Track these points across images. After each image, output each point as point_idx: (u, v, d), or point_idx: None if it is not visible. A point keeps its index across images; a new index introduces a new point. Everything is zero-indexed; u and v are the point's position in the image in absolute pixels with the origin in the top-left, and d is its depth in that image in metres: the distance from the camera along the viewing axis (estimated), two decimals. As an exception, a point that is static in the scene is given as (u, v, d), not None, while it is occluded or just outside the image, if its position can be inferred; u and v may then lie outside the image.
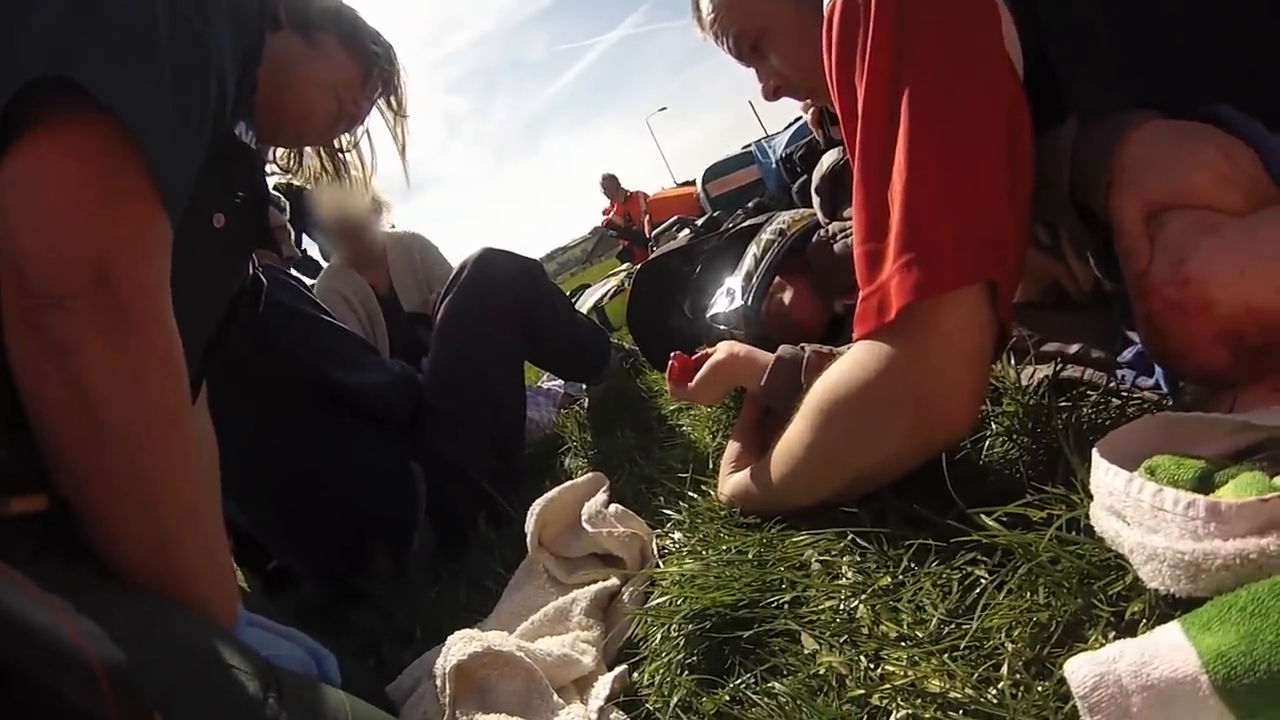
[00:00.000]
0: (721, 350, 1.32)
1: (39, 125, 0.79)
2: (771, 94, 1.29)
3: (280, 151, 1.47)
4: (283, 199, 2.71)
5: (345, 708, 0.79)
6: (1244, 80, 0.80)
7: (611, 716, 0.90)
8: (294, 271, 2.72)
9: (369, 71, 1.39)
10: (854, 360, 0.88)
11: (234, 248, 1.18)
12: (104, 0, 0.84)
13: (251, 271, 1.30)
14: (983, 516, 0.75)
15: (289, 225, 2.92)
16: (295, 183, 1.51)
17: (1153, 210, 0.77)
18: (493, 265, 2.15)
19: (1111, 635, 0.61)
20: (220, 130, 0.98)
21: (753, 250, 1.74)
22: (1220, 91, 0.80)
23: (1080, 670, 0.49)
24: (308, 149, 1.47)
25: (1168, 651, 0.48)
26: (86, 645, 0.61)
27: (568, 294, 4.62)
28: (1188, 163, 0.76)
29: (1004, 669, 0.62)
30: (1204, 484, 0.59)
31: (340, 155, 1.47)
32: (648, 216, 7.01)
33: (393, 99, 1.47)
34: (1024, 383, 0.98)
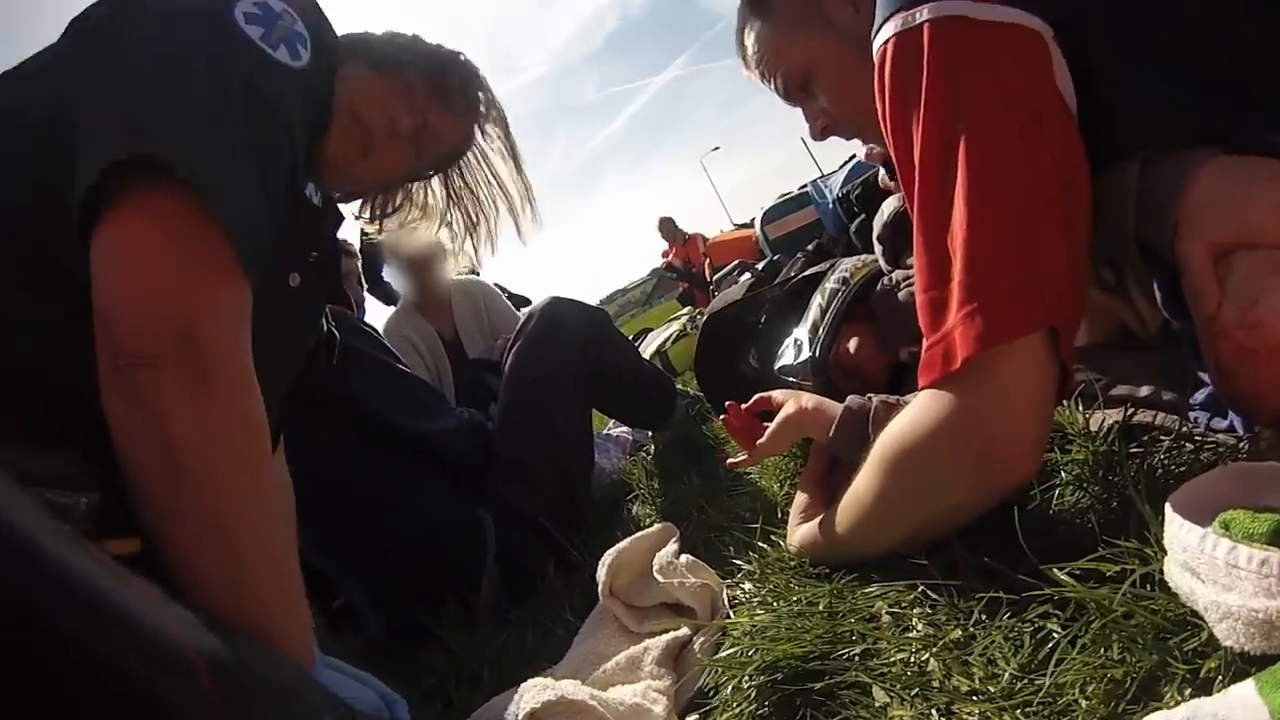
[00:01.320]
0: (790, 403, 1.32)
1: (126, 199, 0.85)
2: (820, 133, 1.30)
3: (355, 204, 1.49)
4: (352, 243, 2.81)
5: None
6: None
7: None
8: (368, 318, 2.82)
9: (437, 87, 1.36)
10: (919, 409, 0.89)
11: (309, 305, 1.24)
12: (180, 79, 0.91)
13: (326, 326, 1.35)
14: (1055, 570, 0.74)
15: (360, 272, 3.02)
16: (369, 232, 1.54)
17: (1221, 251, 0.76)
18: (560, 314, 2.18)
19: (1187, 693, 0.60)
20: (295, 194, 1.04)
21: (818, 300, 1.74)
22: (1276, 120, 0.79)
23: (1153, 729, 0.49)
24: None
25: (1241, 711, 0.48)
26: (183, 635, 0.62)
27: (629, 337, 4.65)
28: (1254, 201, 0.75)
29: (1078, 726, 0.62)
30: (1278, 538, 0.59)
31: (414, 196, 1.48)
32: (707, 260, 7.03)
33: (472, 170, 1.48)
34: (1094, 428, 0.97)
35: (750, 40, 1.29)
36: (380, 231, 1.50)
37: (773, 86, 1.30)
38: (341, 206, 1.42)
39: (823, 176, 4.60)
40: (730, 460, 1.46)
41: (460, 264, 3.33)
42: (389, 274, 3.35)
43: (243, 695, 0.62)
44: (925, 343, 0.86)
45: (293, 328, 1.21)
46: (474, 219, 1.47)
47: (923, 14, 0.86)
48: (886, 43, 0.89)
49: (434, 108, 1.30)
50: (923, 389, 0.88)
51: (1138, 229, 0.87)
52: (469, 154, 1.44)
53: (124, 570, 0.63)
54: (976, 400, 0.84)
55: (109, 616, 0.54)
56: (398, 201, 1.46)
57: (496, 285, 3.63)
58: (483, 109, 1.42)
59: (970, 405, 0.84)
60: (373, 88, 1.23)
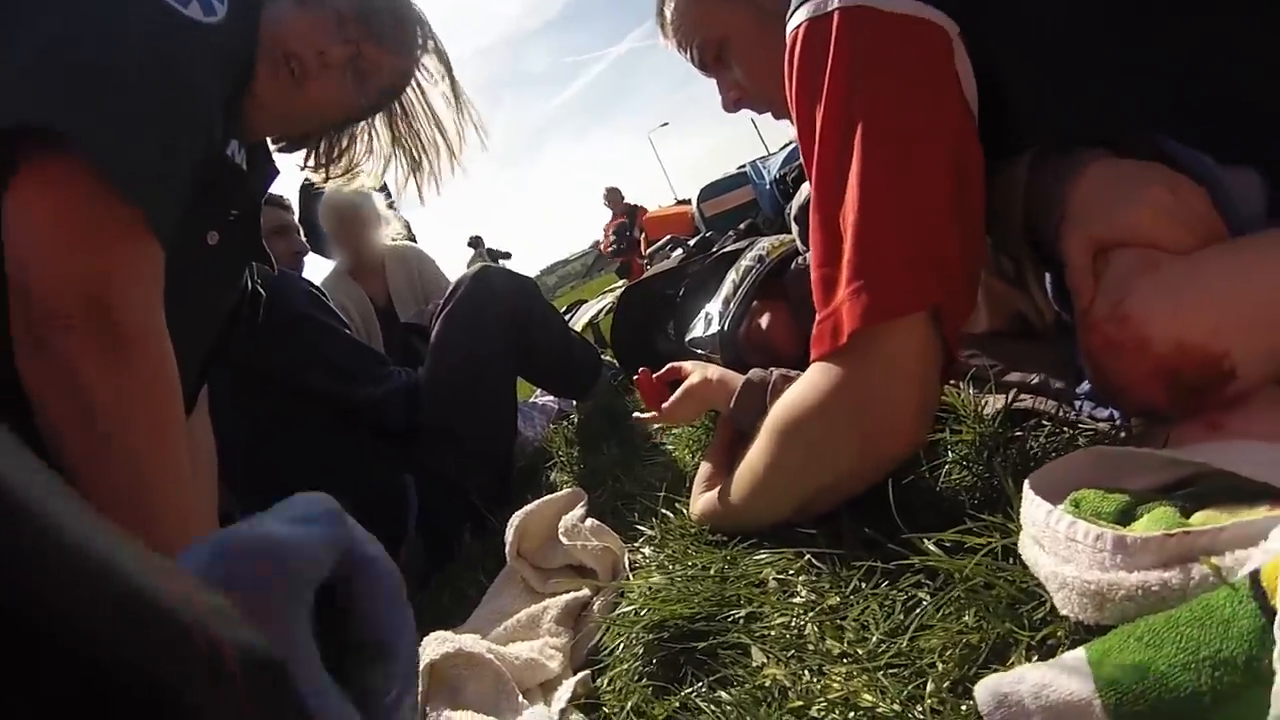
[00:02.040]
0: (695, 374, 1.35)
1: (30, 167, 0.86)
2: (732, 105, 1.32)
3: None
4: (286, 198, 2.76)
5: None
6: (1195, 113, 0.83)
7: (572, 718, 0.93)
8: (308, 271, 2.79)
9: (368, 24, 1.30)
10: (808, 382, 0.92)
11: (228, 263, 1.22)
12: (71, 47, 0.90)
13: (250, 285, 1.34)
14: (925, 541, 0.78)
15: (299, 225, 2.97)
16: (314, 180, 1.49)
17: (1100, 248, 0.80)
18: (489, 283, 2.19)
19: (1033, 658, 0.64)
20: (211, 152, 1.03)
21: (732, 276, 1.77)
22: (1170, 124, 0.83)
23: (986, 690, 0.53)
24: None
25: (1068, 676, 0.51)
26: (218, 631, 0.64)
27: (564, 309, 4.64)
28: (1135, 201, 0.79)
29: (930, 686, 0.65)
30: (1125, 517, 0.62)
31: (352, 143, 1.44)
32: (643, 234, 7.02)
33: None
34: (986, 412, 1.01)
35: (670, 9, 1.30)
36: (327, 180, 1.46)
37: (688, 56, 1.31)
38: (286, 158, 1.40)
39: (762, 157, 4.62)
40: (637, 414, 1.49)
41: (395, 230, 3.31)
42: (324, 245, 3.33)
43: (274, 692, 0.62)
44: (817, 317, 0.89)
45: (211, 286, 1.20)
46: (416, 159, 1.44)
47: (834, 2, 0.88)
48: (798, 27, 0.91)
49: (366, 38, 1.26)
50: (813, 362, 0.91)
51: (1027, 223, 0.91)
52: (410, 92, 1.41)
53: (142, 548, 0.63)
54: (861, 374, 0.87)
55: (132, 612, 0.55)
56: (343, 145, 1.43)
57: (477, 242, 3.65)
58: (420, 42, 1.38)
59: (855, 378, 0.87)
60: (300, 23, 1.19)
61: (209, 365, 1.27)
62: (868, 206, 0.85)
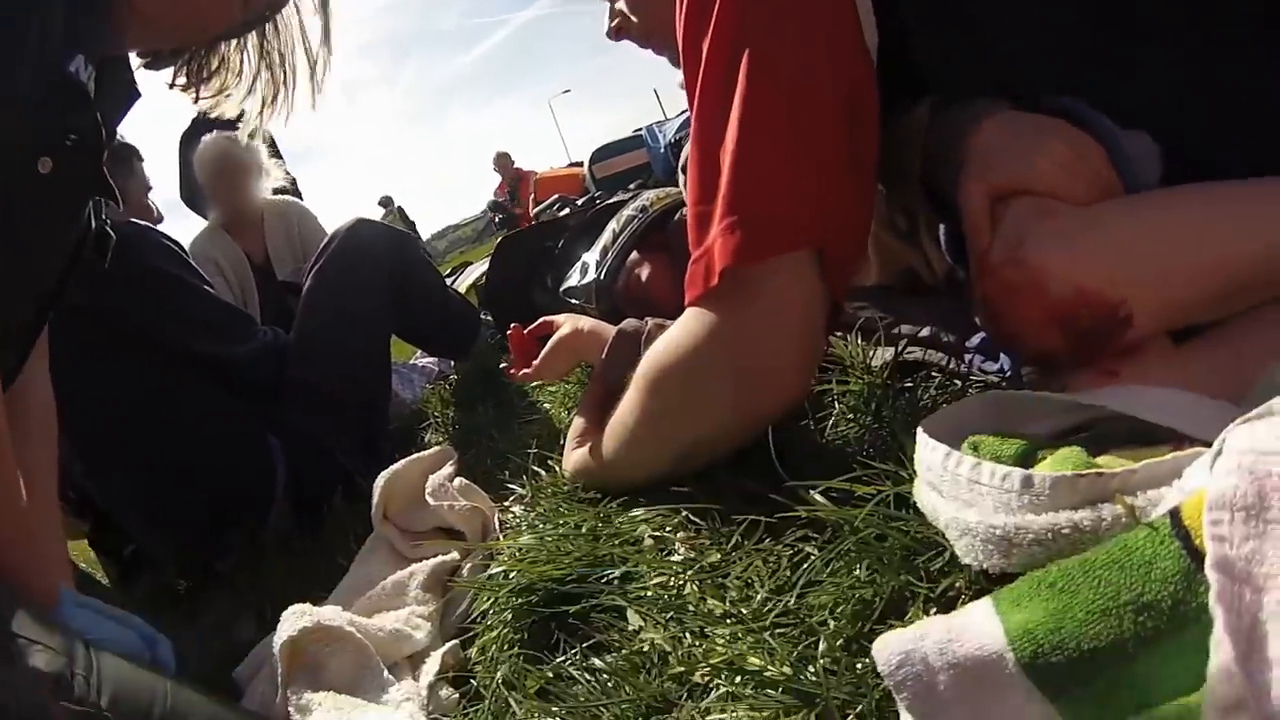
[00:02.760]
0: (566, 325, 1.29)
1: None
2: (614, 34, 1.28)
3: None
4: (132, 144, 2.57)
5: (165, 690, 0.75)
6: (1097, 74, 0.81)
7: (441, 693, 0.88)
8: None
9: None
10: (680, 328, 0.87)
11: (65, 194, 1.09)
12: None
13: (95, 223, 1.20)
14: (810, 492, 0.73)
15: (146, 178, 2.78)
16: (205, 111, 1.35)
17: (998, 196, 0.77)
18: (364, 236, 2.11)
19: (932, 611, 0.60)
20: (46, 69, 0.92)
21: (612, 225, 1.72)
22: (1073, 85, 0.81)
23: (886, 648, 0.47)
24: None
25: (976, 628, 0.46)
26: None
27: (448, 271, 4.52)
28: (1034, 152, 0.76)
29: (823, 646, 0.60)
30: (1026, 461, 0.58)
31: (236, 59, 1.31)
32: (532, 196, 6.92)
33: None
34: (873, 364, 0.98)
35: None
36: (196, 101, 1.33)
37: None
38: (153, 76, 1.26)
39: (659, 122, 4.60)
40: (509, 370, 1.43)
41: (275, 182, 3.16)
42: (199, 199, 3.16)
43: None
44: (691, 258, 0.84)
45: (43, 218, 1.07)
46: (278, 85, 1.33)
47: None
48: None
49: None
50: (687, 306, 0.86)
51: (924, 172, 0.88)
52: (286, 10, 1.29)
53: None
54: (736, 318, 0.82)
55: None
56: (213, 65, 1.30)
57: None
58: None
59: (729, 323, 0.83)
60: None
61: (45, 309, 1.14)
62: (747, 139, 0.81)
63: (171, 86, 1.29)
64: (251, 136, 1.43)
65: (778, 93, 0.81)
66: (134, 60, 1.21)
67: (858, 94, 0.83)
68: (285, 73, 1.32)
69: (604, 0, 1.27)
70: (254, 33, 1.28)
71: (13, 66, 0.87)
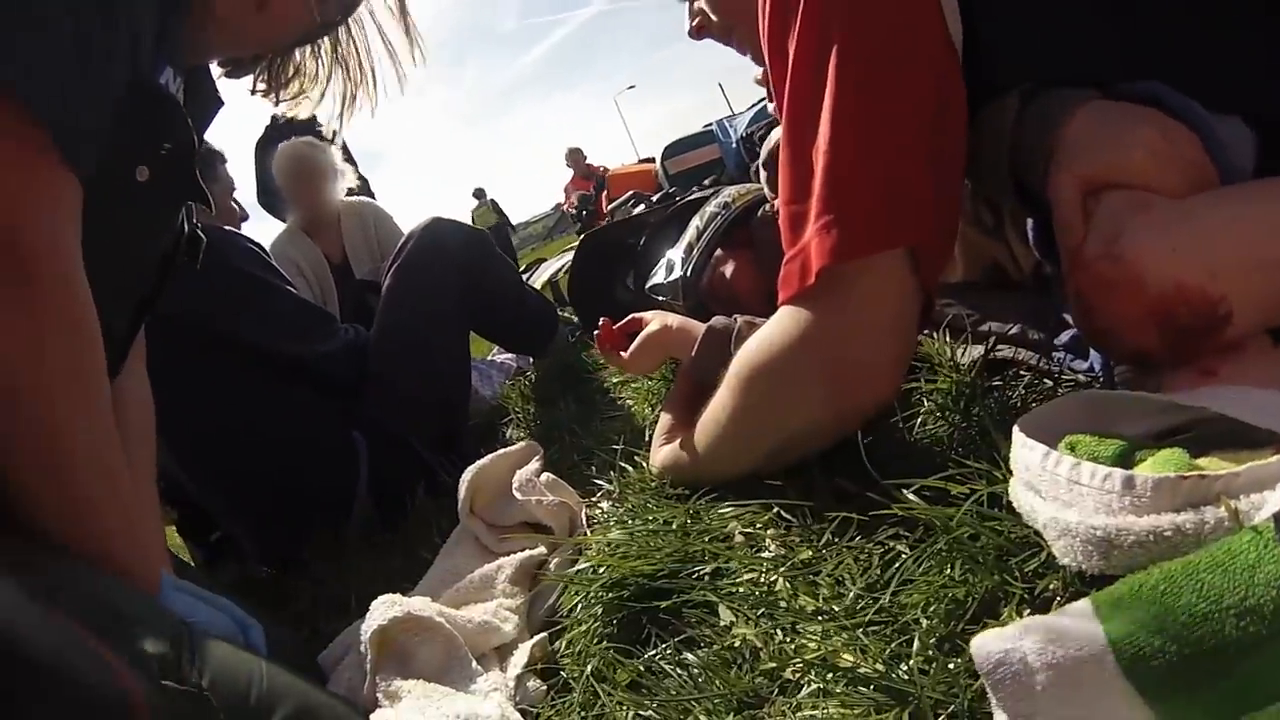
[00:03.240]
0: (655, 321, 1.30)
1: None
2: (695, 33, 1.27)
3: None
4: (218, 151, 2.66)
5: (261, 671, 0.78)
6: (1180, 61, 0.79)
7: (529, 684, 0.89)
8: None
9: None
10: (775, 326, 0.87)
11: (161, 201, 1.14)
12: None
13: (188, 227, 1.25)
14: (904, 490, 0.73)
15: (231, 181, 2.87)
16: (284, 114, 1.40)
17: (1091, 188, 0.76)
18: (441, 234, 2.13)
19: (1026, 612, 0.60)
20: (138, 78, 0.95)
21: (695, 223, 1.72)
22: (1160, 72, 0.79)
23: (985, 647, 0.48)
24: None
25: (1075, 630, 0.46)
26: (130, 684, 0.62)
27: (523, 268, 4.57)
28: (1127, 142, 0.75)
29: (916, 645, 0.61)
30: (1124, 461, 0.58)
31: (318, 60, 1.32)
32: (605, 192, 6.94)
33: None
34: (961, 361, 0.97)
35: None
36: (277, 104, 1.35)
37: None
38: (232, 84, 1.29)
39: (729, 116, 4.57)
40: (599, 356, 1.44)
41: (350, 182, 3.24)
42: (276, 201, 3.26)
43: None
44: (785, 257, 0.84)
45: (141, 225, 1.12)
46: (359, 80, 1.36)
47: None
48: None
49: None
50: (781, 305, 0.87)
51: (1013, 165, 0.86)
52: (360, 14, 1.31)
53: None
54: (831, 317, 0.83)
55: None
56: (290, 71, 1.34)
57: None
58: None
59: (824, 322, 0.83)
60: None
61: (143, 312, 1.20)
62: (840, 138, 0.81)
63: (253, 93, 1.32)
64: (332, 140, 1.47)
65: (868, 90, 0.81)
66: (215, 70, 1.25)
67: (945, 88, 0.83)
68: (362, 75, 1.36)
69: (681, 1, 1.28)
70: (328, 38, 1.30)
71: (111, 79, 0.90)
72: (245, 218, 2.83)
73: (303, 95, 1.33)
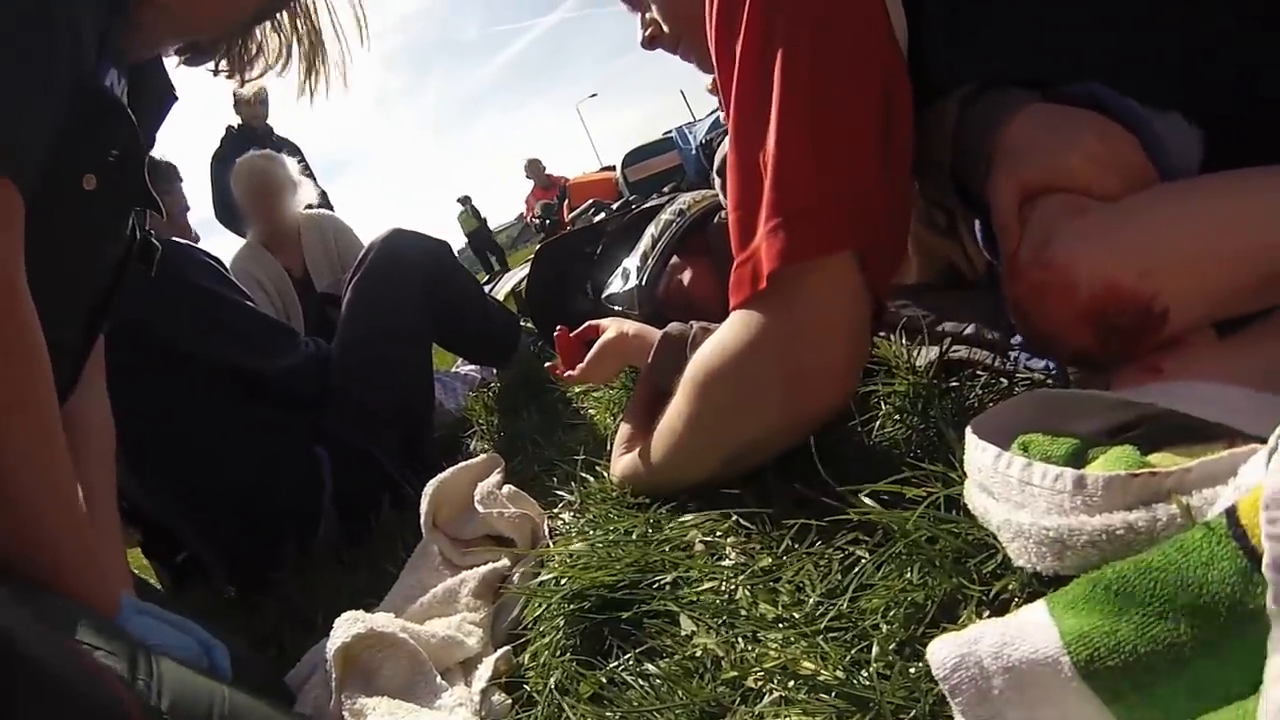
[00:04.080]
0: (611, 329, 1.30)
1: None
2: (647, 43, 1.27)
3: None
4: (171, 166, 2.62)
5: (223, 695, 0.77)
6: (1117, 57, 0.80)
7: (493, 699, 0.88)
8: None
9: None
10: (727, 331, 0.87)
11: (110, 209, 1.11)
12: None
13: (140, 234, 1.22)
14: (860, 495, 0.73)
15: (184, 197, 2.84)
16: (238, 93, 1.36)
17: (1028, 194, 0.76)
18: (401, 246, 2.13)
19: (985, 614, 0.60)
20: (82, 82, 0.92)
21: (650, 231, 1.72)
22: (1104, 69, 0.79)
23: (940, 652, 0.48)
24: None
25: (1030, 632, 0.46)
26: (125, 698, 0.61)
27: (485, 280, 4.55)
28: (1064, 147, 0.75)
29: (875, 650, 0.60)
30: (1077, 460, 0.58)
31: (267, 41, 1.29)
32: (566, 201, 6.94)
33: None
34: (918, 363, 0.98)
35: None
36: (242, 85, 1.36)
37: None
38: (194, 74, 1.27)
39: (689, 123, 4.59)
40: (552, 369, 1.43)
41: (308, 195, 3.21)
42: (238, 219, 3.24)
43: None
44: (735, 261, 0.84)
45: (89, 233, 1.09)
46: (315, 56, 1.33)
47: None
48: None
49: None
50: (733, 310, 0.86)
51: (955, 168, 0.87)
52: None
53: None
54: (783, 320, 0.82)
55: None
56: (252, 50, 1.30)
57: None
58: None
59: (775, 325, 0.83)
60: None
61: (96, 322, 1.17)
62: (787, 142, 0.81)
63: (215, 73, 1.29)
64: (307, 96, 1.40)
65: (813, 94, 0.81)
66: (170, 61, 1.22)
67: (891, 89, 0.83)
68: (322, 48, 1.33)
69: (632, 12, 1.28)
70: (286, 10, 1.28)
71: (52, 85, 0.88)
72: (197, 240, 2.79)
73: (267, 72, 1.30)
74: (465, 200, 16.44)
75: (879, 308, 0.86)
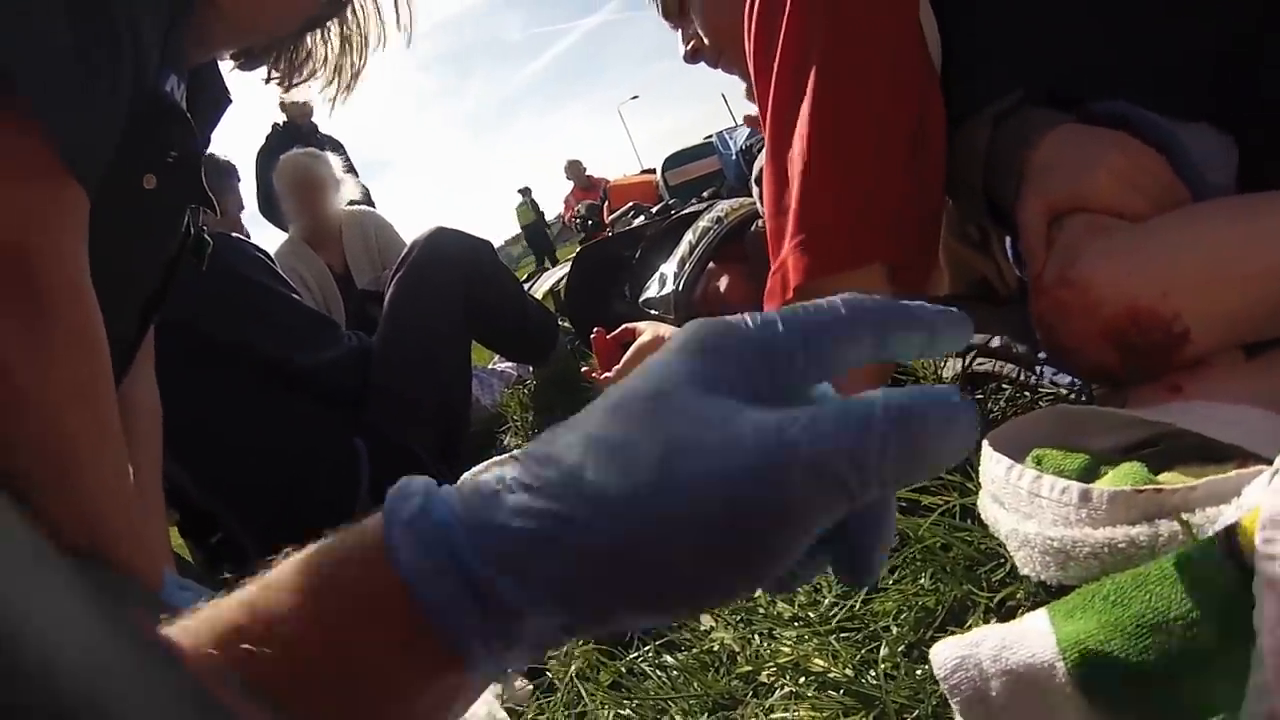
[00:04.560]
0: (648, 332, 1.31)
1: None
2: (690, 56, 1.29)
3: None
4: (230, 165, 2.67)
5: None
6: (1143, 75, 0.80)
7: (515, 684, 0.91)
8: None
9: None
10: None
11: (168, 208, 1.15)
12: None
13: (194, 229, 1.26)
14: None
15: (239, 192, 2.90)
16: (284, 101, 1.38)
17: (1055, 213, 0.77)
18: (443, 244, 2.16)
19: (991, 621, 0.61)
20: (144, 88, 0.96)
21: (689, 237, 1.73)
22: (1136, 85, 0.80)
23: (943, 653, 0.49)
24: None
25: (1030, 637, 0.48)
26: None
27: (525, 277, 4.58)
28: (1092, 166, 0.76)
29: (884, 651, 0.62)
30: (1089, 475, 0.59)
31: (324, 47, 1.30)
32: (606, 203, 6.96)
33: None
34: (945, 374, 0.99)
35: None
36: (288, 90, 1.34)
37: (656, 4, 1.28)
38: (246, 75, 1.29)
39: (730, 128, 4.59)
40: (590, 373, 1.45)
41: (351, 192, 3.25)
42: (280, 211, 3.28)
43: None
44: (770, 269, 0.86)
45: (148, 232, 1.13)
46: (361, 58, 1.35)
47: None
48: None
49: None
50: None
51: (987, 186, 0.88)
52: None
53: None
54: None
55: None
56: (302, 54, 1.30)
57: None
58: None
59: None
60: None
61: (149, 314, 1.20)
62: (814, 154, 0.82)
63: (267, 81, 1.30)
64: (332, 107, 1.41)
65: (844, 107, 0.82)
66: (225, 65, 1.25)
67: (924, 101, 0.84)
68: (364, 53, 1.35)
69: (674, 29, 1.30)
70: (335, 19, 1.29)
71: (117, 89, 0.89)
72: (247, 236, 2.85)
73: (314, 78, 1.33)
74: (526, 192, 16.35)
75: None
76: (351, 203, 3.37)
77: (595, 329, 1.43)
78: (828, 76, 0.82)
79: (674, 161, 5.08)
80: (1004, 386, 0.96)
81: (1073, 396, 0.89)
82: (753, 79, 0.91)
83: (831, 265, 0.81)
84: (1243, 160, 0.76)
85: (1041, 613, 0.49)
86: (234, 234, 2.12)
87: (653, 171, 6.53)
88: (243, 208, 2.85)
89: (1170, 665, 0.43)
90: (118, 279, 0.88)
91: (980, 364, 1.00)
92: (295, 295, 1.97)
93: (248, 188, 3.47)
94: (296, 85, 1.32)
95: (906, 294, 0.83)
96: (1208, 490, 0.51)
